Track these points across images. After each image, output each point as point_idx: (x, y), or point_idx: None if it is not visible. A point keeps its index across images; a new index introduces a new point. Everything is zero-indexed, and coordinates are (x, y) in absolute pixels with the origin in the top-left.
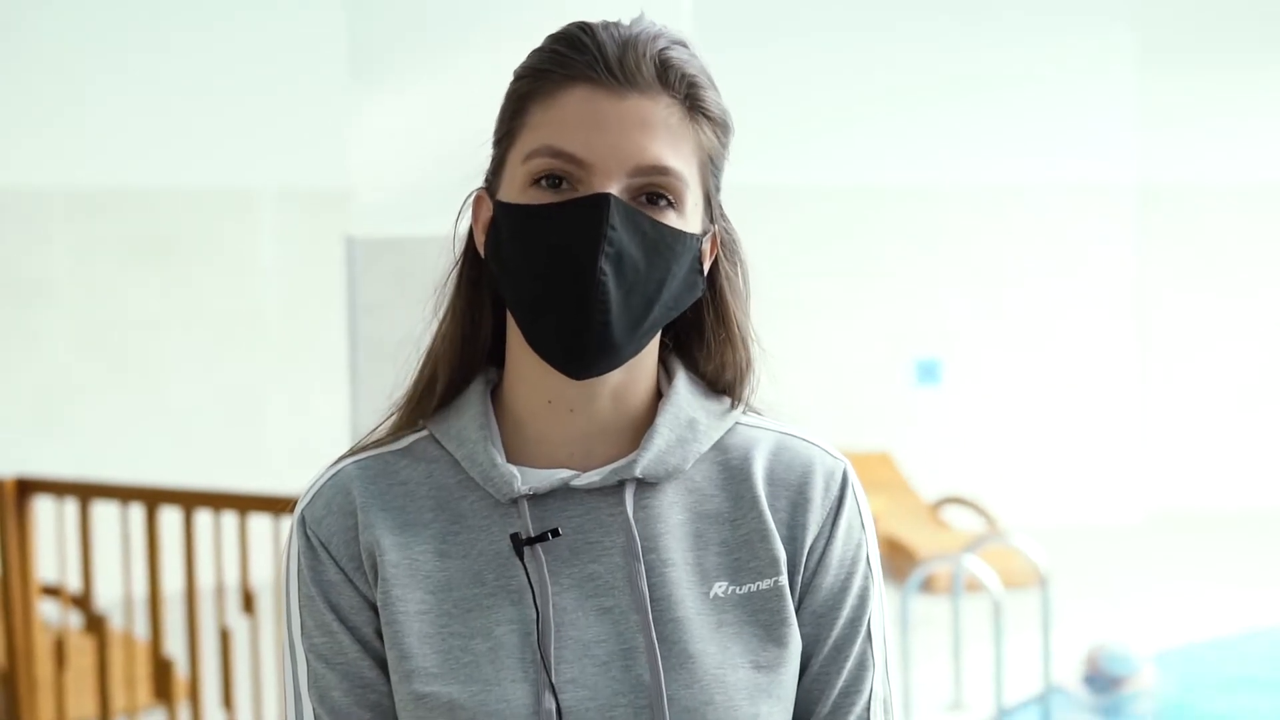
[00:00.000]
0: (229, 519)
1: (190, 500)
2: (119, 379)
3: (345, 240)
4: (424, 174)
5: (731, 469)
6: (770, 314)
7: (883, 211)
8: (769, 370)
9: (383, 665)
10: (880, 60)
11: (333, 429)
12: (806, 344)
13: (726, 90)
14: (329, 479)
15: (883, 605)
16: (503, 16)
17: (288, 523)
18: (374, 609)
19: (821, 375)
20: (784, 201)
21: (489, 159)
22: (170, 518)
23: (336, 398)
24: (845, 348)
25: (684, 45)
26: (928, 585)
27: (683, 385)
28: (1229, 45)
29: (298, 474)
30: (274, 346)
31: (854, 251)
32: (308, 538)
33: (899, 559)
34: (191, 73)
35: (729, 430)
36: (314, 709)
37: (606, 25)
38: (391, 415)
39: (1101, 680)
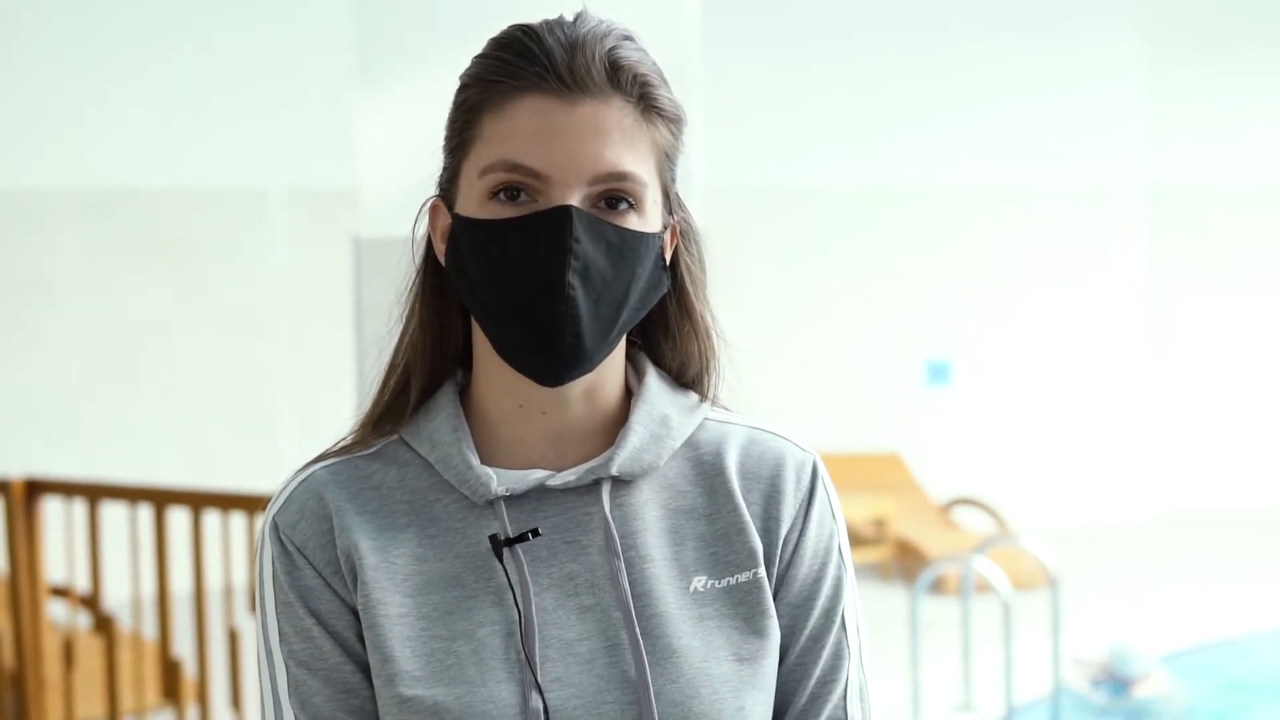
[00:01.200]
0: (237, 519)
1: (198, 501)
2: (127, 380)
3: (352, 241)
4: (431, 175)
5: (704, 464)
6: (781, 314)
7: (894, 212)
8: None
9: (364, 669)
10: (891, 62)
11: (340, 430)
12: (817, 345)
13: (738, 93)
14: (299, 484)
15: (855, 596)
16: (511, 17)
17: None
18: (354, 613)
19: (832, 376)
20: (795, 202)
21: (441, 167)
22: (178, 518)
23: (344, 398)
24: (856, 348)
25: (632, 41)
26: (937, 586)
27: (654, 382)
28: (1239, 48)
29: None
30: (282, 347)
31: (865, 252)
32: (282, 543)
33: (909, 560)
34: (199, 74)
35: (699, 426)
36: (296, 715)
37: (551, 28)
38: (360, 425)
39: (1112, 683)
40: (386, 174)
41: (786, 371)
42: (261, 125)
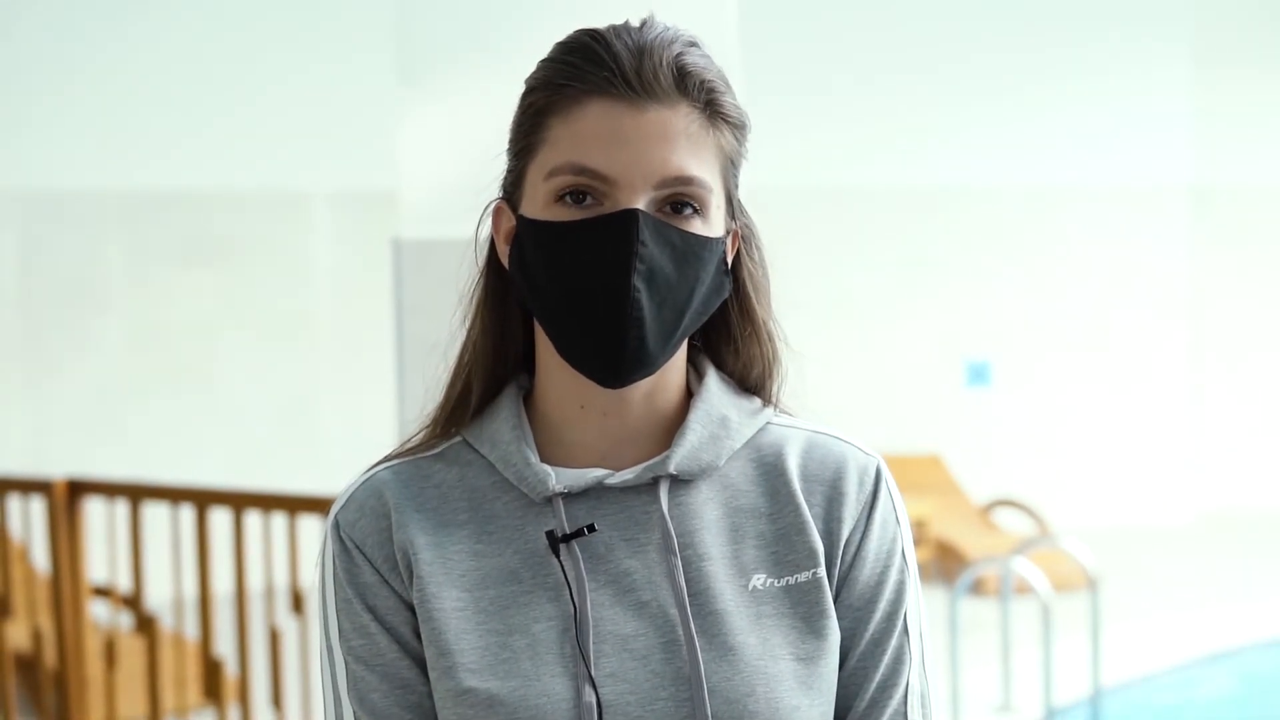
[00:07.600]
0: (278, 520)
1: (240, 501)
2: (170, 380)
3: (392, 242)
4: (471, 176)
5: (766, 465)
6: (821, 315)
7: (934, 212)
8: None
9: (421, 665)
10: (933, 63)
11: (382, 430)
12: (857, 345)
13: (778, 91)
14: (362, 484)
15: (919, 600)
16: (552, 18)
17: None
18: (410, 609)
19: (872, 377)
20: (835, 202)
21: (505, 170)
22: (220, 518)
23: (386, 399)
24: (896, 349)
25: (697, 46)
26: (977, 587)
27: (714, 384)
28: None
29: (348, 475)
30: (325, 348)
31: (905, 253)
32: (342, 541)
33: (949, 561)
34: (243, 77)
35: (761, 429)
36: (354, 711)
37: (619, 33)
38: (426, 426)
39: None
40: (427, 176)
41: (826, 372)
42: (303, 127)
